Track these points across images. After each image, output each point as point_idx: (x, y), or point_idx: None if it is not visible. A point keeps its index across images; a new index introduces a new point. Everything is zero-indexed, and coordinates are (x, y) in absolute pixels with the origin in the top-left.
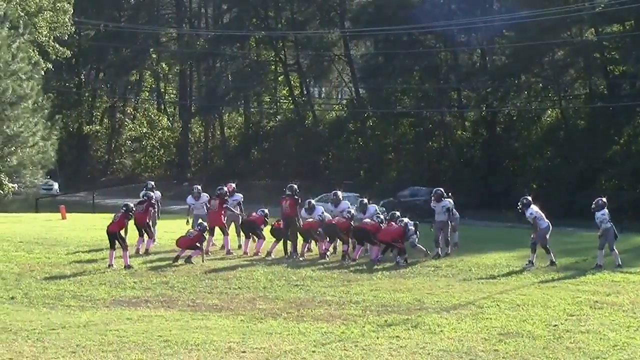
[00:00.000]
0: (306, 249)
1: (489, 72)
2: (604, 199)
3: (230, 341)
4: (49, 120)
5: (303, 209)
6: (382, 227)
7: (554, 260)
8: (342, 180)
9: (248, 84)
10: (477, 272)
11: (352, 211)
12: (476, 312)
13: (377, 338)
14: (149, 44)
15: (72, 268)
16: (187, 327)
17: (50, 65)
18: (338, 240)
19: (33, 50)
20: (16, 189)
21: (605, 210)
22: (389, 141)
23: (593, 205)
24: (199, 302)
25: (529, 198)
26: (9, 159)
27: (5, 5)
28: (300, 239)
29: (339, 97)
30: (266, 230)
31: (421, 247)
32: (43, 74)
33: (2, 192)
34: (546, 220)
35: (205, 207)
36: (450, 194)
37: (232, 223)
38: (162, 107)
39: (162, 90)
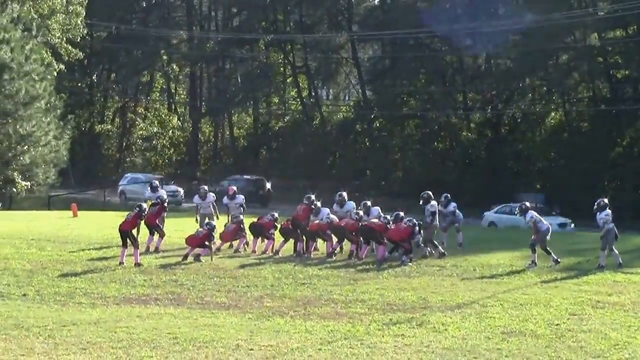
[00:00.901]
0: (313, 248)
1: (494, 75)
2: (606, 200)
3: (238, 338)
4: (62, 120)
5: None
6: (390, 227)
7: (556, 258)
8: (349, 180)
9: (257, 86)
10: (481, 271)
11: (361, 212)
12: (480, 311)
13: (383, 336)
14: (160, 46)
15: (83, 266)
16: (195, 324)
17: (62, 66)
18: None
19: (46, 52)
20: (29, 187)
21: (608, 211)
22: (395, 142)
23: (595, 207)
24: (207, 300)
25: (527, 204)
26: (22, 158)
27: (18, 8)
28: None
29: (347, 98)
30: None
31: (425, 247)
32: (56, 74)
33: (15, 190)
34: (545, 222)
35: (212, 206)
36: (448, 196)
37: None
38: (173, 107)
39: (172, 90)
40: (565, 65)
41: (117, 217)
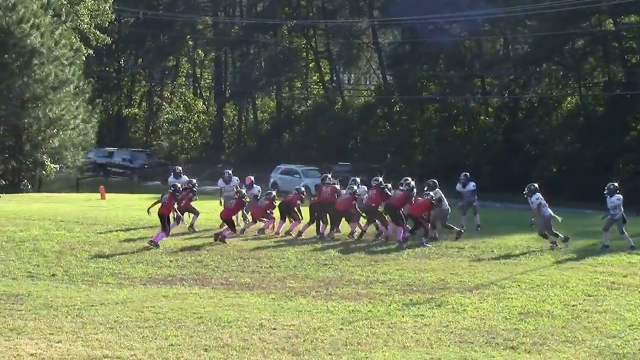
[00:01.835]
0: (335, 230)
1: (511, 60)
2: (616, 184)
3: (261, 318)
4: (90, 104)
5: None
6: (412, 202)
7: (563, 237)
8: (369, 163)
9: (280, 70)
10: (498, 253)
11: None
12: (498, 292)
13: (402, 316)
14: (186, 31)
15: (110, 247)
16: (220, 304)
17: (91, 51)
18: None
19: (75, 37)
20: (58, 169)
21: (619, 195)
22: (414, 126)
23: (606, 190)
24: (231, 281)
25: (536, 185)
26: (51, 141)
27: None
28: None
29: (367, 83)
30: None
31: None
32: (84, 59)
33: (44, 172)
34: (549, 209)
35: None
36: (467, 174)
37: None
38: (198, 91)
39: (197, 75)
40: (581, 50)
41: (143, 200)
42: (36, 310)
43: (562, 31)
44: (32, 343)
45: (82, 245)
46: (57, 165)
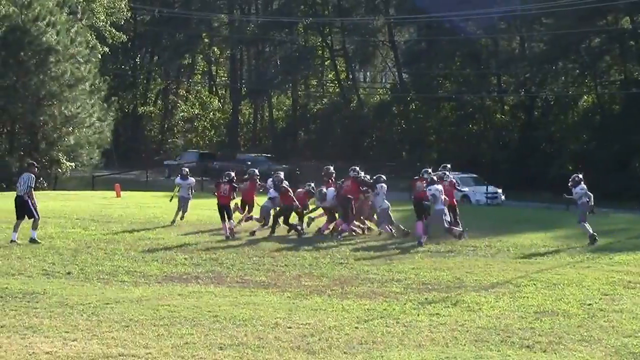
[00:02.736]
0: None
1: (527, 58)
2: (580, 176)
3: (276, 317)
4: (105, 102)
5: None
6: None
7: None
8: (385, 161)
9: (296, 68)
10: (514, 252)
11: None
12: (513, 290)
13: (418, 315)
14: (202, 29)
15: (126, 245)
16: (235, 302)
17: (107, 49)
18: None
19: (91, 35)
20: (73, 167)
21: (583, 186)
22: (430, 124)
23: (570, 182)
24: (247, 279)
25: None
26: (66, 139)
27: None
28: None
29: (383, 81)
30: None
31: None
32: (100, 57)
33: (60, 170)
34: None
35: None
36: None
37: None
38: (214, 89)
39: (213, 73)
40: (597, 48)
41: (158, 198)
42: (51, 309)
43: (579, 29)
44: (48, 341)
45: (97, 243)
46: (73, 163)
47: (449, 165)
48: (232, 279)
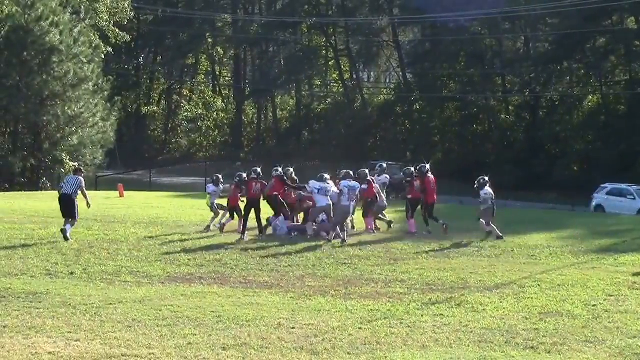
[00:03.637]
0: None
1: (532, 58)
2: (486, 178)
3: (280, 317)
4: (109, 102)
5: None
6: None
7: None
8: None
9: (299, 68)
10: (519, 252)
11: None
12: (518, 291)
13: (422, 316)
14: (205, 29)
15: (129, 245)
16: (238, 303)
17: (110, 49)
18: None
19: (94, 35)
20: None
21: (488, 189)
22: (434, 124)
23: (475, 184)
24: (250, 279)
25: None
26: (70, 139)
27: None
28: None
29: (387, 81)
30: None
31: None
32: (103, 57)
33: (63, 170)
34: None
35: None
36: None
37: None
38: (217, 89)
39: (217, 73)
40: (602, 48)
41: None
42: (54, 309)
43: (583, 29)
44: (50, 341)
45: (100, 243)
46: (76, 163)
47: (384, 165)
48: (235, 279)
